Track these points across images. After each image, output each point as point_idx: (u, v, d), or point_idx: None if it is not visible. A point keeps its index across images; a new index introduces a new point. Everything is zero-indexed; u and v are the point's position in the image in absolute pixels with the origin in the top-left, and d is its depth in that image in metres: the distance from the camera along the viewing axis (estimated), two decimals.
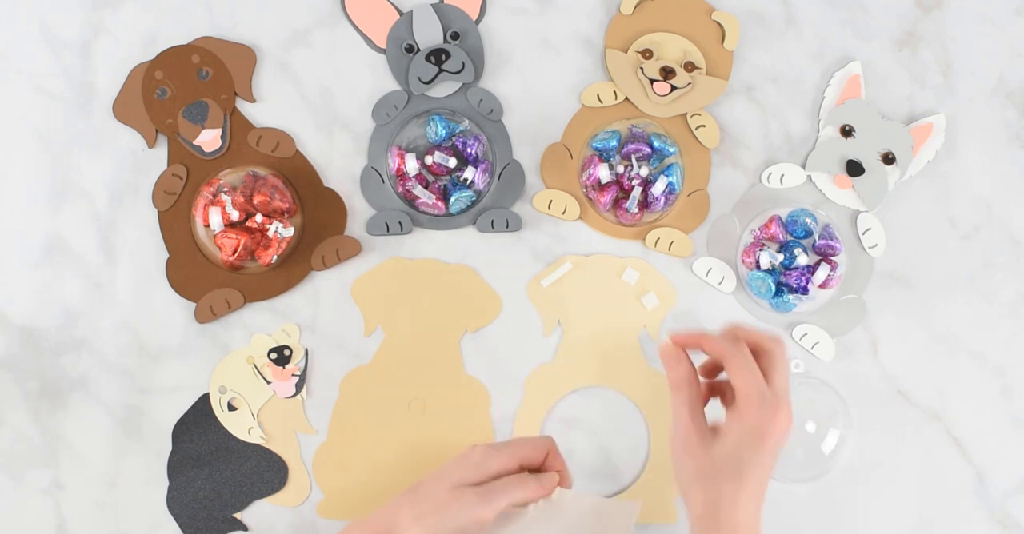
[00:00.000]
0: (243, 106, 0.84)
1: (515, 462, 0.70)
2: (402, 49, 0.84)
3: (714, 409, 0.71)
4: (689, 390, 0.68)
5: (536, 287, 0.84)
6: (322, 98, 0.85)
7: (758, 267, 0.83)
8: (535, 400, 0.83)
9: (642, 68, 0.84)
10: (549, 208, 0.84)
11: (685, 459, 0.66)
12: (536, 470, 0.71)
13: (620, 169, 0.83)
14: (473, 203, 0.83)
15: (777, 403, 0.65)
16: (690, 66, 0.84)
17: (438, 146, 0.83)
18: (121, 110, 0.84)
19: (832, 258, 0.84)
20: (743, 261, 0.84)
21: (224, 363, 0.82)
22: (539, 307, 0.84)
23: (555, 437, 0.73)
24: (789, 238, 0.84)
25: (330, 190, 0.84)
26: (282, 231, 0.80)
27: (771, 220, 0.84)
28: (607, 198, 0.83)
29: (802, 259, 0.82)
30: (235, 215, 0.80)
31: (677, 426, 0.67)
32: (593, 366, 0.83)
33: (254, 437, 0.82)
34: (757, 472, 0.65)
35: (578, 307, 0.84)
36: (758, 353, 0.67)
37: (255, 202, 0.80)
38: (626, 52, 0.85)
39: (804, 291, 0.83)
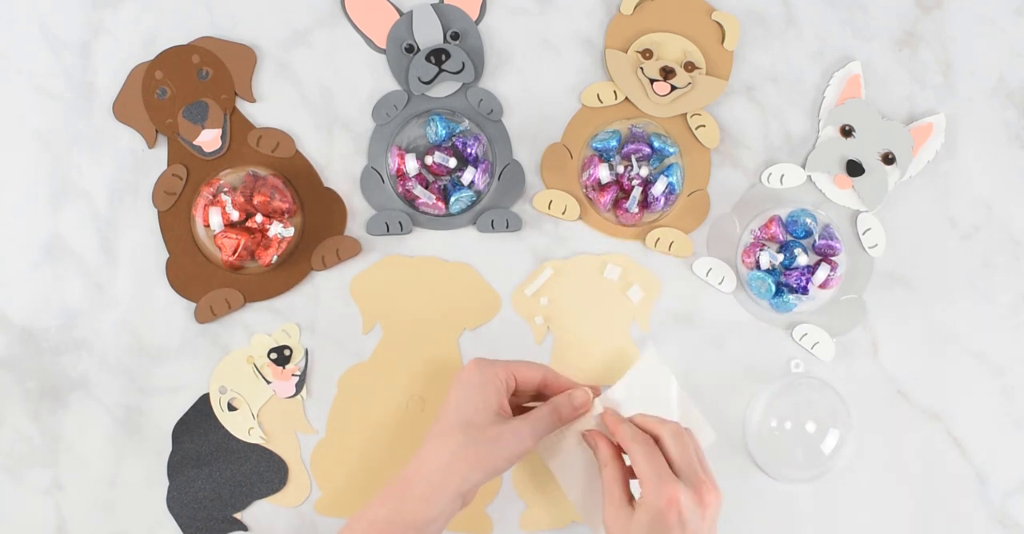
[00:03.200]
0: (243, 106, 0.84)
1: (524, 382, 0.73)
2: (402, 49, 0.84)
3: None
4: (614, 465, 0.70)
5: (521, 297, 0.83)
6: (322, 98, 0.85)
7: (758, 267, 0.83)
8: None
9: (642, 68, 0.84)
10: (549, 208, 0.84)
11: (611, 530, 0.68)
12: (535, 396, 0.76)
13: (620, 169, 0.83)
14: (473, 203, 0.83)
15: (671, 479, 0.67)
16: (690, 66, 0.84)
17: (438, 146, 0.83)
18: (121, 110, 0.84)
19: (832, 258, 0.84)
20: (743, 261, 0.84)
21: (224, 363, 0.82)
22: (526, 316, 0.83)
23: None
24: (789, 238, 0.84)
25: (330, 190, 0.84)
26: (282, 231, 0.80)
27: (771, 220, 0.84)
28: (607, 198, 0.83)
29: (802, 259, 0.82)
30: (235, 215, 0.80)
31: (605, 499, 0.70)
32: (589, 366, 0.83)
33: (254, 437, 0.82)
34: None
35: (566, 311, 0.84)
36: (662, 437, 0.70)
37: (255, 202, 0.80)
38: (626, 52, 0.85)
39: (804, 291, 0.83)
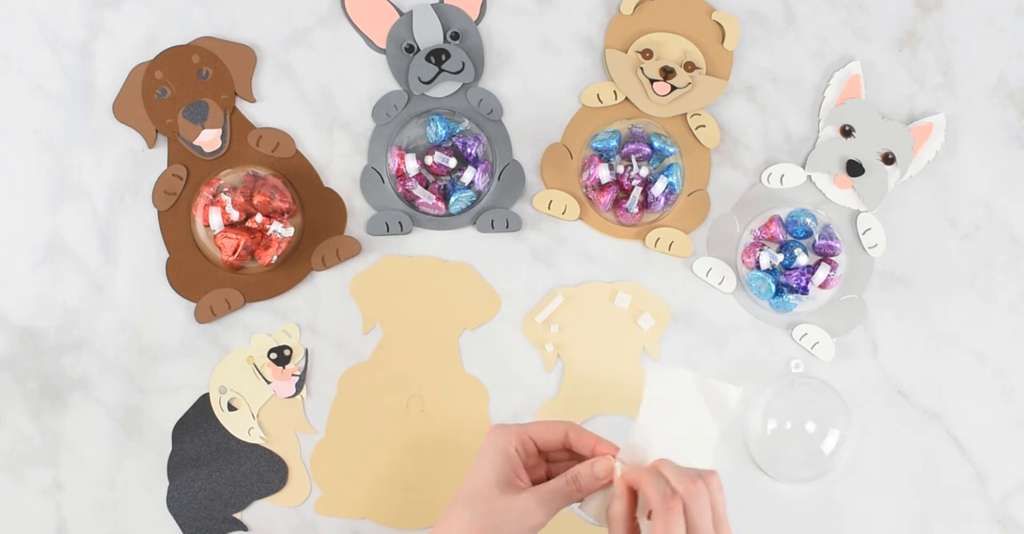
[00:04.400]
0: (243, 106, 0.84)
1: (545, 443, 0.69)
2: (402, 49, 0.84)
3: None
4: (623, 500, 0.66)
5: (531, 323, 0.83)
6: (322, 98, 0.85)
7: (758, 267, 0.83)
8: None
9: (642, 68, 0.84)
10: (549, 208, 0.84)
11: None
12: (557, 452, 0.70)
13: (620, 169, 0.83)
14: (473, 203, 0.83)
15: None
16: (690, 66, 0.84)
17: (438, 146, 0.83)
18: (121, 110, 0.84)
19: (832, 258, 0.84)
20: (743, 261, 0.84)
21: (224, 363, 0.82)
22: (536, 343, 0.83)
23: None
24: (789, 238, 0.84)
25: (330, 190, 0.84)
26: (282, 231, 0.80)
27: (771, 220, 0.84)
28: (607, 198, 0.83)
29: (802, 259, 0.82)
30: (235, 215, 0.80)
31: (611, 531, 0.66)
32: (599, 394, 0.83)
33: (254, 437, 0.82)
34: None
35: (576, 338, 0.83)
36: (688, 501, 0.64)
37: (255, 202, 0.80)
38: (626, 52, 0.85)
39: (804, 291, 0.83)
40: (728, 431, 0.83)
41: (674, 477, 0.65)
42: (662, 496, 0.64)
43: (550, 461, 0.70)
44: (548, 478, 0.69)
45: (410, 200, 0.83)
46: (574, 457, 0.70)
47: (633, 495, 0.66)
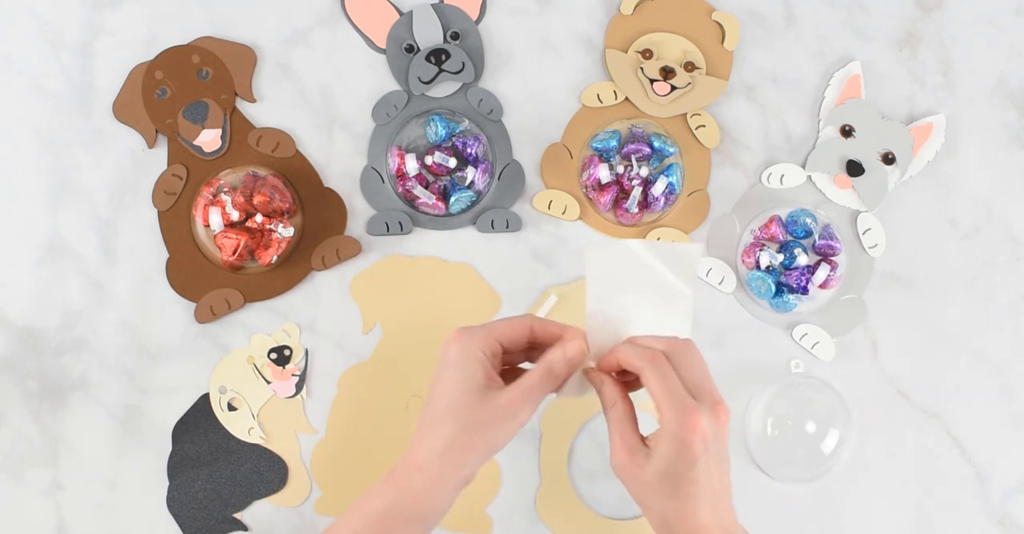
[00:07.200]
0: (243, 106, 0.84)
1: (510, 342, 0.66)
2: (402, 49, 0.84)
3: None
4: (623, 404, 0.64)
5: None
6: (322, 98, 0.85)
7: (758, 267, 0.83)
8: (554, 438, 0.82)
9: (642, 68, 0.84)
10: (549, 208, 0.84)
11: (624, 478, 0.63)
12: (529, 349, 0.67)
13: (620, 169, 0.83)
14: (473, 203, 0.83)
15: (692, 404, 0.60)
16: (690, 66, 0.84)
17: (438, 146, 0.83)
18: (121, 110, 0.84)
19: (832, 258, 0.84)
20: (743, 261, 0.84)
21: (224, 363, 0.82)
22: None
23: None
24: (789, 238, 0.84)
25: (330, 190, 0.84)
26: (282, 231, 0.80)
27: (771, 220, 0.84)
28: (607, 198, 0.83)
29: (802, 259, 0.82)
30: (235, 215, 0.80)
31: (612, 445, 0.63)
32: None
33: (254, 437, 0.82)
34: (697, 485, 0.61)
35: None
36: (669, 356, 0.62)
37: (255, 202, 0.80)
38: (626, 52, 0.85)
39: (804, 291, 0.83)
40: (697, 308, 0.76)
41: (647, 343, 0.63)
42: (639, 352, 0.62)
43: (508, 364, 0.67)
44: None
45: (410, 200, 0.83)
46: (531, 357, 0.68)
47: (629, 399, 0.64)
